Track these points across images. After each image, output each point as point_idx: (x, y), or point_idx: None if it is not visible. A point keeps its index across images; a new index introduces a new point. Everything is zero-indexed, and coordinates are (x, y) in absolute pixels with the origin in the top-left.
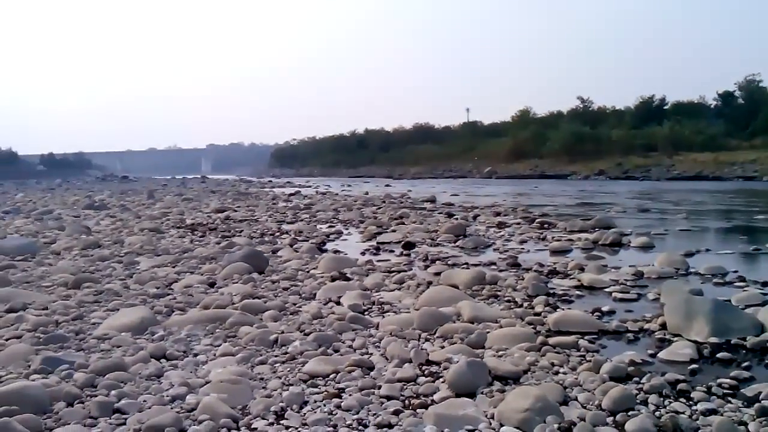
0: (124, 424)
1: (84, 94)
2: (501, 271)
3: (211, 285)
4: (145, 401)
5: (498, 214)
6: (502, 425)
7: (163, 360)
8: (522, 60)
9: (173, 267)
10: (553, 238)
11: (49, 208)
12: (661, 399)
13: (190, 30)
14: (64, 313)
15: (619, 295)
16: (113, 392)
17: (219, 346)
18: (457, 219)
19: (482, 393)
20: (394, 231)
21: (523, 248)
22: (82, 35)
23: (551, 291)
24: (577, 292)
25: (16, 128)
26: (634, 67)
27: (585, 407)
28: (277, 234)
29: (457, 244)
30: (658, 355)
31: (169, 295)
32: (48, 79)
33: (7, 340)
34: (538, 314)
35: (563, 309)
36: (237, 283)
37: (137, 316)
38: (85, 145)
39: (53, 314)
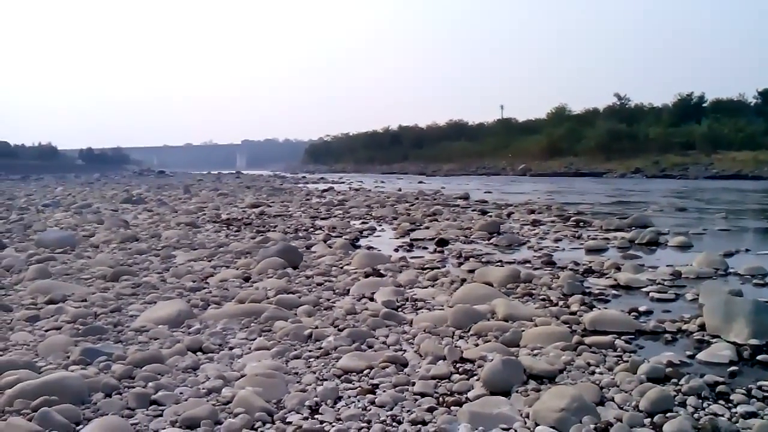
0: (161, 415)
1: (123, 91)
2: (536, 269)
3: (246, 279)
4: (181, 393)
5: (532, 211)
6: (537, 425)
7: (199, 353)
8: (558, 56)
9: (209, 261)
10: (588, 236)
11: (88, 202)
12: (700, 401)
13: (226, 28)
14: (103, 305)
15: (657, 295)
16: (150, 384)
17: (254, 340)
18: (490, 216)
19: (517, 392)
20: (427, 228)
21: (557, 246)
22: (122, 34)
23: (587, 290)
24: (614, 292)
25: (56, 123)
26: (673, 64)
27: (622, 408)
28: (311, 229)
29: (490, 241)
30: (697, 356)
31: (205, 288)
32: (88, 76)
33: (46, 331)
34: (573, 313)
35: (599, 308)
36: (272, 277)
37: (174, 309)
38: (123, 140)
39: (92, 306)
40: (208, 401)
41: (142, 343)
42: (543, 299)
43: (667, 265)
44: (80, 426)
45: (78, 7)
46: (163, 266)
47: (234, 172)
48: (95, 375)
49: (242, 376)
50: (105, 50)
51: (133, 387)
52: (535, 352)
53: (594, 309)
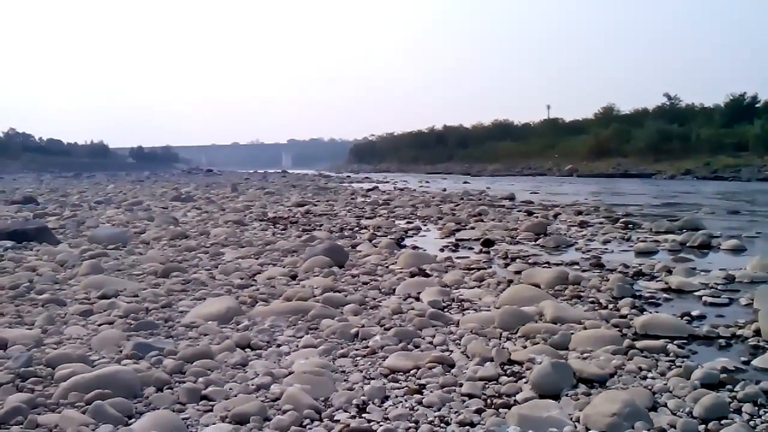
0: (211, 410)
1: (173, 91)
2: (584, 271)
3: (293, 277)
4: (231, 389)
5: (580, 212)
6: (588, 429)
7: (247, 349)
8: (606, 56)
9: (256, 259)
10: (638, 238)
11: (139, 200)
12: (756, 408)
13: (274, 30)
14: (154, 301)
15: (710, 299)
16: (201, 379)
17: (301, 337)
18: (537, 217)
19: (567, 395)
20: (472, 228)
21: (606, 248)
22: (173, 36)
23: (637, 293)
24: (665, 295)
25: (108, 122)
26: (725, 63)
27: (675, 414)
28: (356, 229)
29: (537, 242)
30: (752, 362)
31: (252, 286)
32: (139, 77)
33: (99, 325)
34: (623, 316)
35: (650, 312)
36: (318, 276)
37: (223, 305)
38: (173, 139)
39: (143, 302)
40: (256, 397)
41: (192, 339)
42: (592, 302)
43: (720, 269)
44: (132, 420)
45: (131, 10)
46: (211, 263)
47: (280, 171)
48: (147, 369)
49: (290, 374)
50: (156, 52)
51: (184, 382)
52: (585, 355)
53: (645, 312)
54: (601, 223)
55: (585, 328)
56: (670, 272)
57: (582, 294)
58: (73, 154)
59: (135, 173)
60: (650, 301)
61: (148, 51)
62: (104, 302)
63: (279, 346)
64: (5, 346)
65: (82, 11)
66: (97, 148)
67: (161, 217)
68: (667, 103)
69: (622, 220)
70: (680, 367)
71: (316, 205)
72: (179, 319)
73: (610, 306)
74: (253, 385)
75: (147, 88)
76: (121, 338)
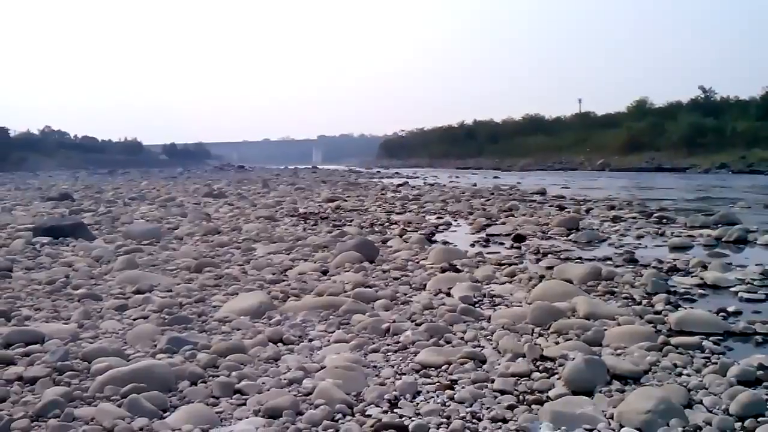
0: (245, 404)
1: (204, 87)
2: (617, 266)
3: (324, 273)
4: (263, 383)
5: (612, 207)
6: (622, 426)
7: (279, 344)
8: (638, 47)
9: (288, 254)
10: (672, 233)
11: (172, 196)
12: None
13: (304, 28)
14: (187, 296)
15: (746, 295)
16: (234, 373)
17: (333, 332)
18: (569, 212)
19: (600, 392)
20: (503, 223)
21: (639, 243)
22: (204, 34)
23: (672, 289)
24: (700, 291)
25: (141, 120)
26: (761, 56)
27: (711, 411)
28: (387, 224)
29: (569, 237)
30: None
31: (284, 281)
32: (172, 74)
33: (134, 320)
34: (658, 313)
35: (685, 308)
36: (349, 271)
37: (255, 300)
38: (205, 135)
39: (177, 296)
40: (289, 392)
41: (225, 333)
42: (626, 297)
43: (757, 264)
44: (167, 413)
45: (166, 10)
46: (243, 258)
47: (310, 166)
48: (181, 363)
49: (322, 368)
50: (189, 50)
51: (218, 376)
52: (619, 351)
53: (680, 308)
54: (634, 218)
55: (618, 324)
56: (705, 268)
57: (615, 290)
58: (107, 151)
59: (168, 170)
60: (685, 296)
61: (181, 49)
62: (139, 297)
63: (311, 340)
64: (42, 341)
65: (117, 11)
66: (131, 145)
67: (194, 213)
68: (702, 95)
69: (655, 214)
70: (716, 363)
71: (346, 201)
72: (212, 313)
73: (644, 302)
74: (285, 379)
75: (179, 86)
76: (156, 333)
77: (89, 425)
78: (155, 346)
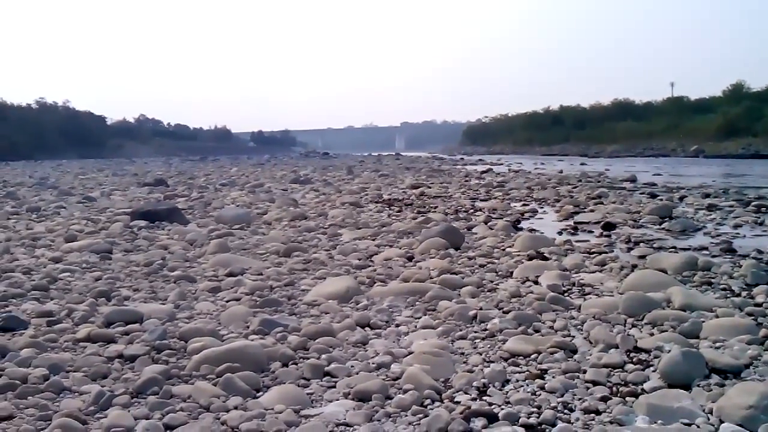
0: (334, 387)
1: (291, 77)
2: (714, 256)
3: (410, 259)
4: (352, 366)
5: (707, 195)
6: (721, 422)
7: (367, 328)
8: (734, 29)
9: (373, 240)
10: None
11: (260, 182)
12: None
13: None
14: (277, 279)
15: None
16: (323, 356)
17: (419, 318)
18: (661, 200)
19: (698, 386)
20: (592, 211)
21: (738, 233)
22: (290, 28)
23: None
24: None
25: (230, 108)
26: None
27: None
28: (471, 211)
29: (662, 226)
30: None
31: (370, 266)
32: (259, 64)
33: (227, 301)
34: (759, 305)
35: None
36: (434, 258)
37: (343, 285)
38: (290, 123)
39: (267, 280)
40: (377, 376)
41: (314, 317)
42: (724, 289)
43: None
44: (260, 393)
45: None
46: (330, 244)
47: (393, 153)
48: (273, 345)
49: (409, 354)
50: (275, 42)
51: (308, 358)
52: (717, 344)
53: None
54: (731, 206)
55: (717, 316)
56: None
57: (713, 280)
58: (198, 139)
59: (256, 156)
60: None
61: (269, 40)
62: (231, 279)
63: (397, 326)
64: (141, 320)
65: (209, 7)
66: (221, 132)
67: (281, 199)
68: None
69: (754, 203)
70: None
71: (430, 188)
72: (301, 297)
73: (744, 293)
74: (373, 363)
75: (267, 75)
76: (248, 314)
77: (186, 402)
78: (248, 327)
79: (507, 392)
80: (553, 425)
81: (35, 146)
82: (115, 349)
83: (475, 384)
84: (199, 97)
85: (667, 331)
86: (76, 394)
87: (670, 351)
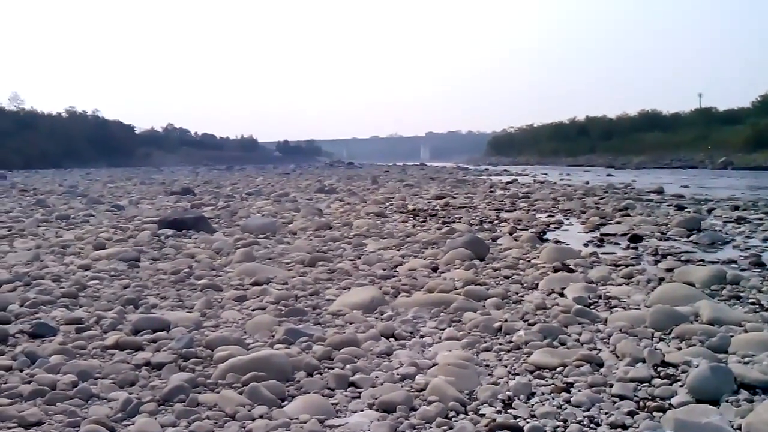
0: (359, 397)
1: (316, 87)
2: (743, 270)
3: (434, 269)
4: (377, 377)
5: (736, 207)
6: None
7: (391, 339)
8: (764, 39)
9: (398, 250)
10: None
11: (286, 191)
12: None
13: (412, 27)
14: (302, 289)
15: None
16: (348, 366)
17: (444, 329)
18: (689, 212)
19: (727, 401)
20: (618, 223)
21: (767, 246)
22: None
23: None
24: None
25: (256, 118)
26: None
27: None
28: (496, 222)
29: (690, 239)
30: None
31: (394, 277)
32: (285, 74)
33: (253, 310)
34: None
35: None
36: (459, 268)
37: (368, 295)
38: (316, 133)
39: (293, 289)
40: (402, 387)
41: (338, 327)
42: (753, 303)
43: None
44: (285, 402)
45: (275, 12)
46: (355, 253)
47: (418, 163)
48: (298, 354)
49: (434, 365)
50: (300, 52)
51: (333, 368)
52: (746, 359)
53: None
54: (760, 219)
55: (746, 331)
56: None
57: (741, 294)
58: (225, 148)
59: (281, 166)
60: None
61: (294, 51)
62: (257, 289)
63: (422, 337)
64: (168, 328)
65: (235, 19)
66: (247, 142)
67: (307, 209)
68: None
69: None
70: None
71: (455, 198)
72: (326, 306)
73: None
74: (398, 374)
75: (293, 86)
76: (273, 323)
77: (212, 411)
78: (273, 336)
79: (532, 405)
80: None
81: (65, 154)
82: (143, 356)
83: (500, 396)
84: (226, 107)
85: (695, 345)
86: (104, 401)
87: (698, 366)
